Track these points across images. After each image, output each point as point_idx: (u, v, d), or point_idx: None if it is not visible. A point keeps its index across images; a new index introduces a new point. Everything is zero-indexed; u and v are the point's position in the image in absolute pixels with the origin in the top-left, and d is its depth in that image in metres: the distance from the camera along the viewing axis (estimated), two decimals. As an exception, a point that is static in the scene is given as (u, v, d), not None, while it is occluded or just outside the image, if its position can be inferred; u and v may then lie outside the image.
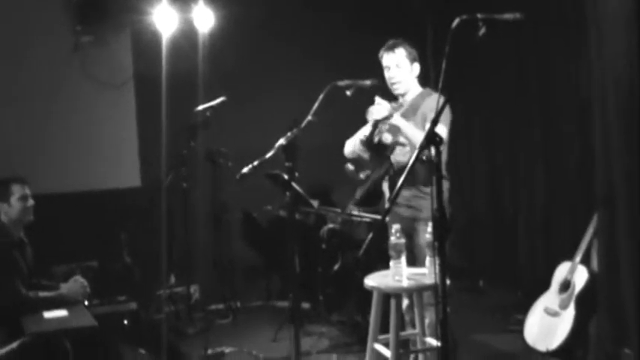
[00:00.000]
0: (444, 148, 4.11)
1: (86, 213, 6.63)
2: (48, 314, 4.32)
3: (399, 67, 4.51)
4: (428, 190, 4.25)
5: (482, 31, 3.19)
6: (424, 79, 4.72)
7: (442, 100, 3.28)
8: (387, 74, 4.56)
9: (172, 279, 6.77)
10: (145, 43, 6.87)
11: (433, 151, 3.06)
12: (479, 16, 3.21)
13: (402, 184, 3.13)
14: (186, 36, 6.90)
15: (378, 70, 4.57)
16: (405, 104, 4.57)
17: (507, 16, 3.27)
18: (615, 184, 4.43)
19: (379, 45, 4.58)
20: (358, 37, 7.16)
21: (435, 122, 3.15)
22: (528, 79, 6.60)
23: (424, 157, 3.94)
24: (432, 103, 4.32)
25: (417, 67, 4.56)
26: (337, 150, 4.84)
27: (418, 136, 4.13)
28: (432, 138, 3.06)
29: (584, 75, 5.56)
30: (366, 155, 4.59)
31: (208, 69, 6.92)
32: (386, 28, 5.23)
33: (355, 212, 5.85)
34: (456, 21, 3.22)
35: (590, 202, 5.26)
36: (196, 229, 6.84)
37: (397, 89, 4.56)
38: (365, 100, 4.34)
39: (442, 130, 4.15)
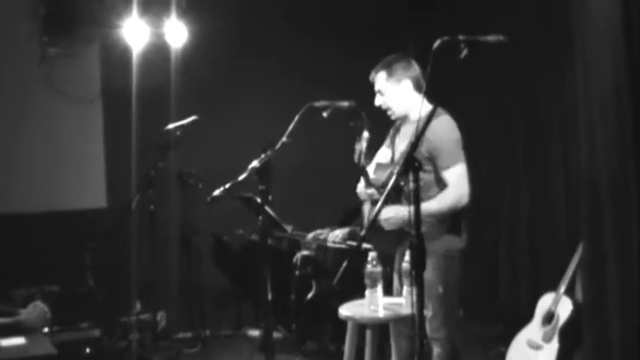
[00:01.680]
0: (462, 179, 4.11)
1: (48, 234, 6.57)
2: (4, 342, 4.27)
3: (382, 92, 4.36)
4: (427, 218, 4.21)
5: (465, 52, 3.19)
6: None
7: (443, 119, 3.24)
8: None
9: (138, 305, 6.70)
10: (115, 57, 6.84)
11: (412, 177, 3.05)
12: (460, 37, 3.20)
13: (377, 213, 3.10)
14: (158, 51, 6.88)
15: (356, 92, 4.55)
16: (409, 131, 4.37)
17: (491, 38, 3.24)
18: (602, 212, 4.42)
19: (359, 64, 4.58)
20: (338, 56, 7.20)
21: (414, 146, 3.15)
22: (511, 100, 6.63)
23: (402, 184, 3.96)
24: (434, 126, 4.02)
25: (406, 84, 4.32)
26: (312, 173, 4.85)
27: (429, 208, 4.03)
28: (410, 163, 3.06)
29: (570, 96, 5.61)
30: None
31: (180, 86, 6.90)
32: (367, 47, 5.25)
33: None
34: (437, 42, 3.22)
35: (575, 230, 5.27)
36: (164, 252, 6.80)
37: (392, 116, 4.42)
38: (342, 122, 4.35)
39: (457, 173, 4.10)
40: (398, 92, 4.33)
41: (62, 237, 6.61)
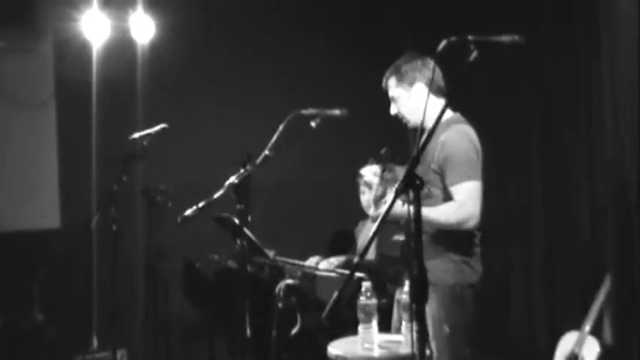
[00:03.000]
0: (474, 197, 4.12)
1: (-10, 259, 6.59)
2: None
3: (395, 100, 4.41)
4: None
5: (474, 55, 3.20)
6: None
7: (458, 130, 3.24)
8: None
9: (95, 341, 6.71)
10: (72, 54, 6.87)
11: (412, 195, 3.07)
12: (470, 37, 3.22)
13: (372, 237, 3.12)
14: (122, 47, 6.91)
15: (348, 98, 4.59)
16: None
17: (505, 38, 3.25)
18: (634, 235, 4.38)
19: (352, 66, 4.64)
20: (328, 57, 7.20)
21: (415, 159, 3.14)
22: (523, 106, 6.63)
23: (401, 202, 3.99)
24: (449, 136, 4.15)
25: (419, 88, 4.34)
26: (298, 191, 4.89)
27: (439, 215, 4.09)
28: (411, 181, 3.06)
29: (595, 116, 5.63)
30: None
31: (147, 89, 6.93)
32: (360, 46, 5.28)
33: (317, 264, 5.90)
34: (443, 43, 3.25)
35: (602, 260, 5.27)
36: (127, 280, 6.80)
37: (408, 125, 4.46)
38: (332, 132, 4.39)
39: (467, 190, 4.11)
40: (411, 98, 4.37)
41: (7, 262, 6.61)
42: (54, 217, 7.06)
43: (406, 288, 3.90)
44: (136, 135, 5.76)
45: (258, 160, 4.13)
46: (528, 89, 6.64)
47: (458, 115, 4.35)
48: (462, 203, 4.08)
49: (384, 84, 4.43)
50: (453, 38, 3.23)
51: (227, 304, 5.76)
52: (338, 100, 4.48)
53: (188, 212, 4.18)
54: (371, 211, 4.26)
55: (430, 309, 4.05)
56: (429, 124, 4.24)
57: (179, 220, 4.21)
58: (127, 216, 6.33)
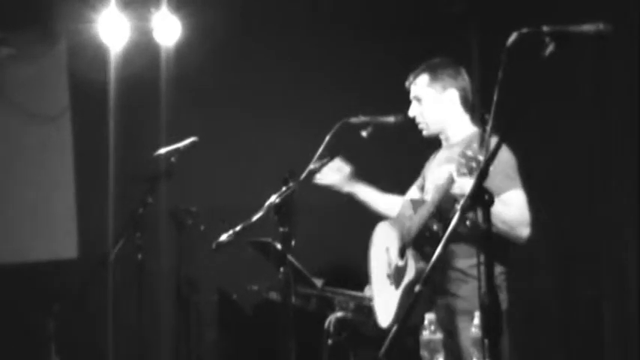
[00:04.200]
0: (525, 204, 4.16)
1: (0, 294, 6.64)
2: None
3: (420, 100, 4.46)
4: (472, 270, 4.25)
5: (550, 49, 3.17)
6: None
7: (493, 142, 3.25)
8: None
9: (118, 386, 6.76)
10: (87, 60, 6.92)
11: (480, 214, 3.06)
12: (545, 29, 3.19)
13: (435, 262, 3.11)
14: (143, 52, 6.95)
15: (405, 103, 4.58)
16: (447, 155, 4.47)
17: (587, 27, 3.20)
18: None
19: (405, 68, 4.62)
20: (377, 58, 7.18)
21: (483, 173, 3.14)
22: (614, 114, 6.58)
23: (467, 223, 3.98)
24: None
25: (451, 94, 4.45)
26: (349, 211, 4.86)
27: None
28: (478, 195, 3.06)
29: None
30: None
31: (173, 98, 6.96)
32: (417, 45, 5.26)
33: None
34: (514, 36, 3.23)
35: None
36: (155, 315, 6.83)
37: (423, 131, 4.52)
38: (387, 143, 4.38)
39: (517, 196, 4.18)
40: (440, 102, 4.44)
41: (18, 298, 6.66)
42: (70, 246, 7.11)
43: (476, 320, 3.87)
44: (162, 151, 5.79)
45: (302, 176, 4.12)
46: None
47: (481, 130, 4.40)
48: (522, 208, 4.18)
49: (410, 80, 4.50)
50: (525, 30, 3.21)
51: (269, 342, 5.76)
52: (392, 106, 4.47)
53: (223, 237, 4.18)
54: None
55: (466, 333, 4.03)
56: (452, 135, 4.44)
57: (213, 246, 4.21)
58: (153, 243, 6.36)
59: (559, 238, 7.13)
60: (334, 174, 4.64)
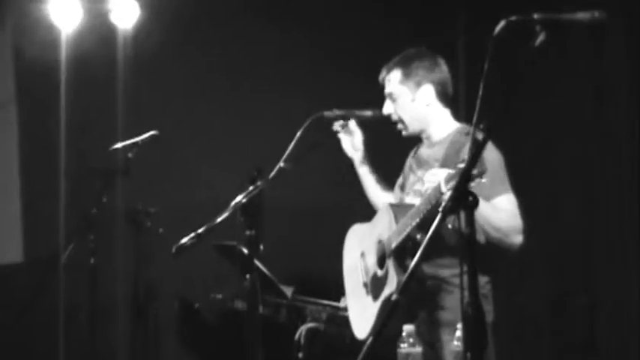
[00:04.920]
0: (517, 210, 4.17)
1: None
2: None
3: (393, 98, 4.46)
4: (456, 279, 4.27)
5: (541, 38, 3.19)
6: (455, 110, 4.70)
7: (478, 140, 3.26)
8: None
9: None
10: (36, 43, 6.88)
11: (463, 217, 3.08)
12: (536, 16, 3.21)
13: (414, 268, 3.13)
14: (98, 36, 6.93)
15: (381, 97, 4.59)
16: (429, 154, 4.51)
17: (582, 15, 3.22)
18: None
19: (386, 58, 4.62)
20: (358, 45, 7.19)
21: (467, 173, 3.15)
22: (613, 110, 6.62)
23: (449, 226, 4.00)
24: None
25: (427, 91, 4.43)
26: (322, 212, 4.89)
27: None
28: (461, 197, 3.08)
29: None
30: None
31: (131, 87, 6.95)
32: (399, 32, 5.26)
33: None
34: (502, 24, 3.25)
35: None
36: (109, 325, 6.84)
37: (403, 131, 4.52)
38: (365, 138, 4.39)
39: (508, 201, 4.19)
40: (415, 101, 4.44)
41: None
42: (15, 249, 7.08)
43: (458, 333, 3.90)
44: (119, 145, 5.79)
45: (272, 175, 4.14)
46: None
47: (464, 125, 4.45)
48: (514, 213, 4.18)
49: (382, 76, 4.50)
50: (515, 17, 3.23)
51: (234, 356, 5.77)
52: (368, 100, 4.49)
53: (184, 240, 4.18)
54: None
55: (449, 346, 4.06)
56: (433, 134, 4.42)
57: (173, 250, 4.21)
58: (107, 246, 6.37)
59: (553, 242, 7.17)
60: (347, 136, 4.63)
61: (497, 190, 4.15)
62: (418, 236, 4.14)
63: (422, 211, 4.07)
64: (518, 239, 4.21)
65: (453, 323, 4.04)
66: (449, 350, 4.14)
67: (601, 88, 6.67)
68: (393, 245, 4.26)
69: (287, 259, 5.99)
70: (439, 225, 3.13)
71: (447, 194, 3.76)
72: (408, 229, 4.16)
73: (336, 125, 4.51)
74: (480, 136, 3.22)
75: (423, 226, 4.15)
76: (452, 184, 3.65)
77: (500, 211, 4.14)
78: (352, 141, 4.68)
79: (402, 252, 4.26)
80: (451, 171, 3.74)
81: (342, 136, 4.61)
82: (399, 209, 4.40)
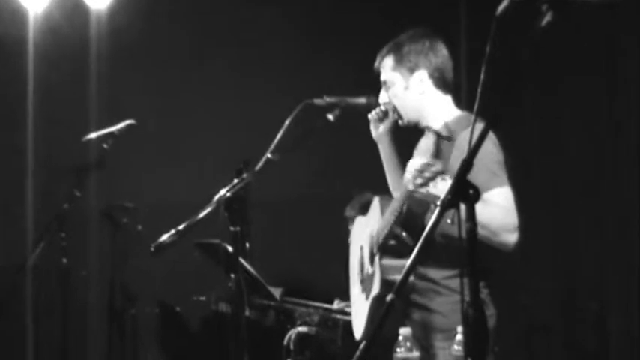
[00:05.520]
0: (512, 204, 4.12)
1: None
2: None
3: (388, 86, 4.45)
4: (446, 282, 4.29)
5: (548, 19, 3.19)
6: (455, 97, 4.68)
7: (479, 129, 3.27)
8: None
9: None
10: (1, 25, 6.86)
11: (464, 212, 3.09)
12: None
13: (410, 268, 3.14)
14: (69, 16, 6.92)
15: (375, 84, 4.59)
16: (427, 145, 4.50)
17: None
18: None
19: (382, 43, 4.62)
20: (353, 28, 7.18)
21: (467, 164, 3.15)
22: (622, 99, 6.65)
23: (449, 221, 4.02)
24: (467, 137, 4.28)
25: (422, 76, 4.38)
26: (312, 208, 4.90)
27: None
28: (461, 190, 3.08)
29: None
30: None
31: (105, 72, 6.95)
32: (397, 15, 5.23)
33: (343, 307, 5.91)
34: (504, 3, 3.26)
35: None
36: (83, 331, 6.85)
37: (400, 121, 4.50)
38: (358, 127, 4.40)
39: (501, 195, 4.15)
40: (409, 88, 4.41)
41: None
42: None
43: (459, 336, 3.92)
44: (92, 135, 5.79)
45: (258, 167, 4.15)
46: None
47: (466, 113, 4.40)
48: (507, 209, 4.13)
49: (377, 63, 4.47)
50: (519, -3, 3.24)
51: (218, 359, 5.79)
52: (361, 87, 4.51)
53: (164, 238, 4.18)
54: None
55: (444, 353, 4.16)
56: (431, 122, 4.31)
57: (152, 248, 4.22)
58: (81, 245, 6.37)
59: (558, 240, 7.20)
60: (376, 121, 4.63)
61: (488, 183, 4.10)
62: (402, 233, 4.16)
63: (397, 207, 4.10)
64: (510, 238, 4.11)
65: (448, 330, 4.09)
66: (444, 358, 4.20)
67: (614, 83, 6.70)
68: (379, 240, 4.29)
69: (275, 258, 6.00)
70: (438, 220, 3.14)
71: (416, 189, 3.79)
72: (390, 226, 4.18)
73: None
74: (480, 124, 3.24)
75: (402, 222, 4.19)
76: (425, 176, 3.67)
77: (489, 207, 4.05)
78: (383, 126, 4.68)
79: (385, 248, 4.28)
80: (423, 161, 3.74)
81: (371, 118, 4.61)
82: (386, 203, 4.42)
